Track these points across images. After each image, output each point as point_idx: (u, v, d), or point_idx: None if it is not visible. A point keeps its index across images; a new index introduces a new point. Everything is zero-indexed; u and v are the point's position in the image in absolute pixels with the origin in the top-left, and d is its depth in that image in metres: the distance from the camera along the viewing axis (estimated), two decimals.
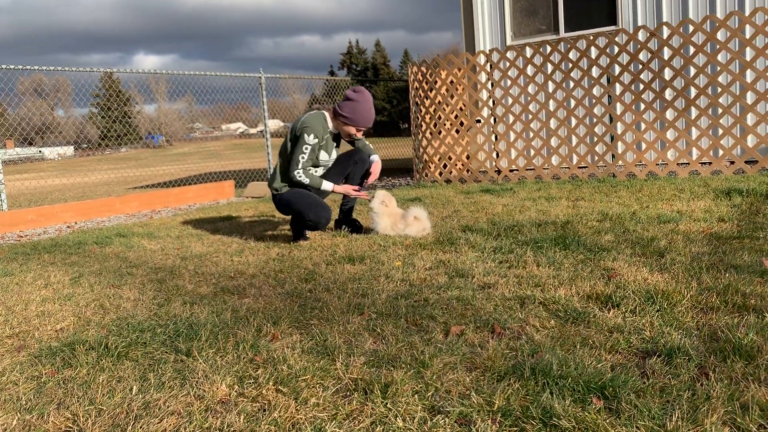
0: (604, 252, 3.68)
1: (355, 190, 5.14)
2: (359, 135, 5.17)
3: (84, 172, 29.95)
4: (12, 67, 8.51)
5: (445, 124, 8.97)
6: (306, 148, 4.94)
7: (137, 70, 10.75)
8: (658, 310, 2.54)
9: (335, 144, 5.24)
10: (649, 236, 3.98)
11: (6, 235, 7.73)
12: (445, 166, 9.23)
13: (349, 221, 5.52)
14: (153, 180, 19.89)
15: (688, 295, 2.65)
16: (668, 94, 7.63)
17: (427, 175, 9.22)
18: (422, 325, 2.63)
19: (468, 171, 9.06)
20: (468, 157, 9.06)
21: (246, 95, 12.10)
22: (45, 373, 2.45)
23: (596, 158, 7.93)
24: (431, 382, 2.04)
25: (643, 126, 7.88)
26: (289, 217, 5.70)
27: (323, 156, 5.16)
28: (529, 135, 8.41)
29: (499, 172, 8.60)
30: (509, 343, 2.33)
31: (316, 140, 4.97)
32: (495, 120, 8.61)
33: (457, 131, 9.03)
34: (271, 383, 2.15)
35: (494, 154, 8.62)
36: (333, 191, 5.09)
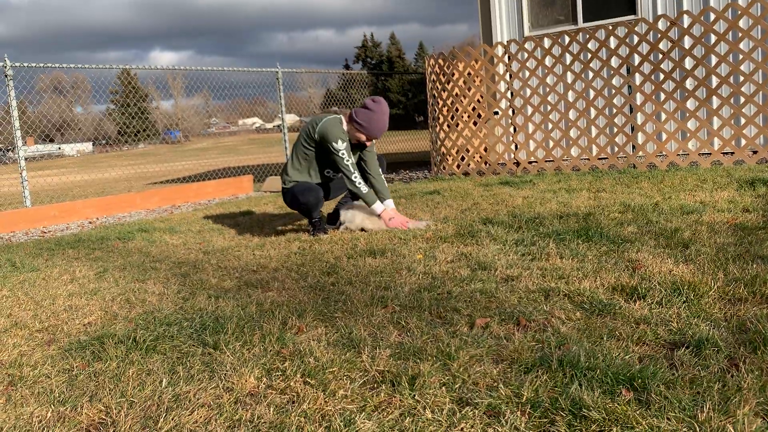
0: (628, 244, 3.66)
1: (403, 226, 5.05)
2: (369, 144, 5.18)
3: (103, 168, 30.25)
4: (31, 65, 8.60)
5: (462, 117, 8.94)
6: (343, 153, 4.99)
7: (154, 66, 10.83)
8: (684, 302, 2.52)
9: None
10: (673, 227, 3.95)
11: (30, 231, 7.83)
12: (462, 158, 9.21)
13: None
14: (171, 175, 20.06)
15: (715, 287, 2.63)
16: (689, 83, 7.54)
17: (444, 168, 9.20)
18: (446, 317, 2.64)
19: (486, 163, 9.03)
20: (486, 150, 9.03)
21: (262, 90, 12.18)
22: (76, 366, 2.49)
23: (616, 149, 7.87)
24: (458, 374, 2.04)
25: (663, 116, 7.81)
26: None
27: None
28: (548, 126, 8.36)
29: (518, 164, 8.57)
30: (535, 336, 2.33)
31: (345, 143, 5.00)
32: (513, 112, 8.57)
33: (475, 123, 9.00)
34: (298, 375, 2.17)
35: (513, 146, 8.59)
36: (380, 216, 5.09)
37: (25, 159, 8.47)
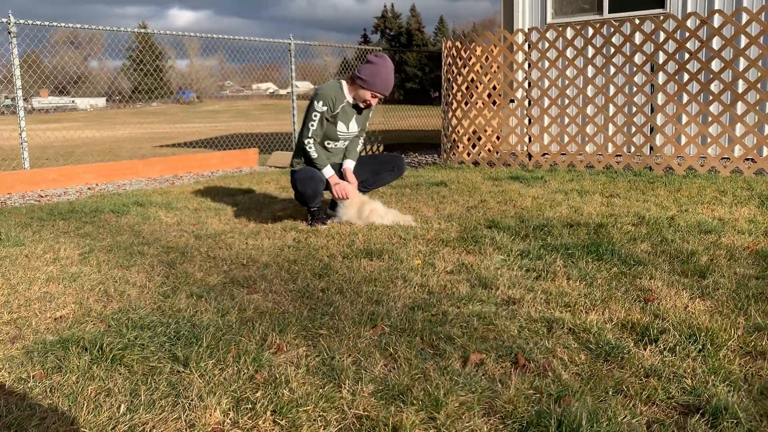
0: (640, 267, 3.42)
1: (341, 196, 4.96)
2: (374, 103, 4.93)
3: (113, 125, 30.05)
4: (35, 23, 8.34)
5: (476, 104, 8.64)
6: (315, 116, 4.83)
7: (164, 31, 10.55)
8: (700, 351, 2.30)
9: (357, 113, 5.02)
10: (689, 250, 3.70)
11: (27, 194, 7.66)
12: (474, 146, 8.93)
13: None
14: (181, 138, 19.84)
15: (735, 336, 2.40)
16: (714, 86, 7.22)
17: (454, 155, 8.94)
18: (439, 347, 2.42)
19: (497, 154, 8.76)
20: (498, 138, 8.75)
21: (276, 55, 11.90)
22: (33, 376, 2.29)
23: (633, 149, 7.58)
24: (444, 429, 1.84)
25: (685, 119, 7.51)
26: None
27: (341, 127, 4.97)
28: (564, 120, 8.07)
29: (530, 156, 8.30)
30: (533, 382, 2.11)
31: (325, 108, 4.81)
32: (530, 102, 8.27)
33: (489, 112, 8.71)
34: (269, 413, 1.97)
35: (527, 138, 8.31)
36: (327, 180, 4.96)
37: (37, 110, 8.27)
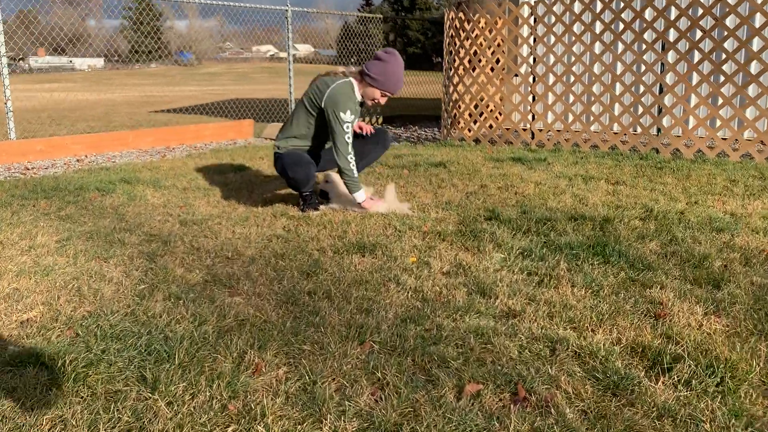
0: (649, 272, 3.20)
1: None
2: (383, 102, 4.67)
3: (110, 87, 29.60)
4: None
5: (479, 79, 8.34)
6: (348, 127, 4.51)
7: None
8: (718, 385, 2.09)
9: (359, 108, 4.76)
10: (701, 252, 3.48)
11: (13, 166, 7.41)
12: (475, 122, 8.65)
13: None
14: (177, 102, 19.48)
15: (757, 368, 2.19)
16: (727, 67, 6.92)
17: (455, 131, 8.66)
18: (432, 373, 2.21)
19: (499, 132, 8.48)
20: (500, 114, 8.46)
21: (276, 18, 11.53)
22: None
23: (640, 130, 7.32)
24: None
25: (695, 100, 7.23)
26: None
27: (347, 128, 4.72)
28: (569, 99, 7.78)
29: (533, 135, 8.02)
30: (534, 421, 1.91)
31: (353, 116, 4.52)
32: (534, 79, 7.97)
33: (492, 88, 8.41)
34: None
35: (530, 116, 8.02)
36: (361, 205, 4.66)
37: (35, 70, 7.96)
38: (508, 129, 8.21)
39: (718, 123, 6.90)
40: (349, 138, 4.50)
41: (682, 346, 2.36)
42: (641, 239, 3.78)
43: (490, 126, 8.51)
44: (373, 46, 13.56)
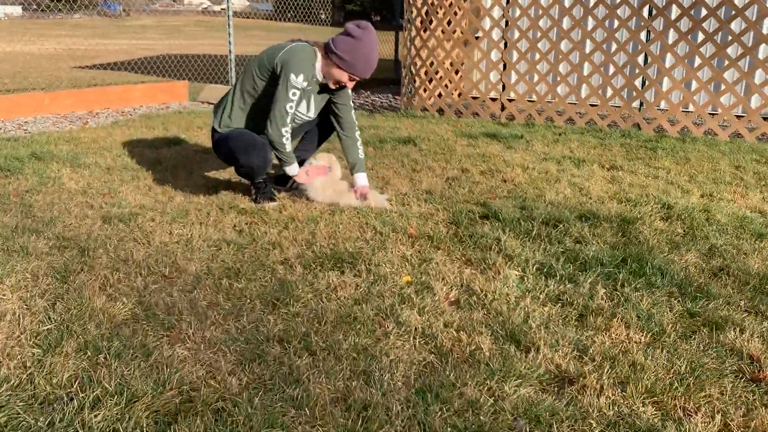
0: (708, 301, 2.54)
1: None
2: (350, 86, 3.85)
3: (30, 38, 27.33)
4: None
5: (443, 43, 7.53)
6: (294, 94, 3.65)
7: None
8: None
9: (316, 92, 3.91)
10: (757, 270, 2.86)
11: None
12: (440, 94, 7.87)
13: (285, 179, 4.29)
14: (104, 57, 17.90)
15: None
16: (721, 38, 6.34)
17: (416, 100, 7.87)
18: None
19: (465, 103, 7.73)
20: (464, 83, 7.70)
21: None
22: None
23: (621, 105, 6.71)
24: None
25: (683, 73, 6.65)
26: None
27: (302, 108, 3.87)
28: (544, 68, 7.09)
29: (503, 107, 7.32)
30: None
31: (306, 83, 3.67)
32: (506, 45, 7.22)
33: (459, 54, 7.62)
34: None
35: (500, 86, 7.30)
36: (293, 178, 3.94)
37: None
38: (475, 98, 7.47)
39: (708, 98, 6.34)
40: (291, 107, 3.66)
41: None
42: (675, 249, 3.13)
43: (459, 95, 7.75)
44: (312, 1, 12.64)
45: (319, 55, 3.73)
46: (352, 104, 4.05)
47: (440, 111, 7.70)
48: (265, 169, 3.83)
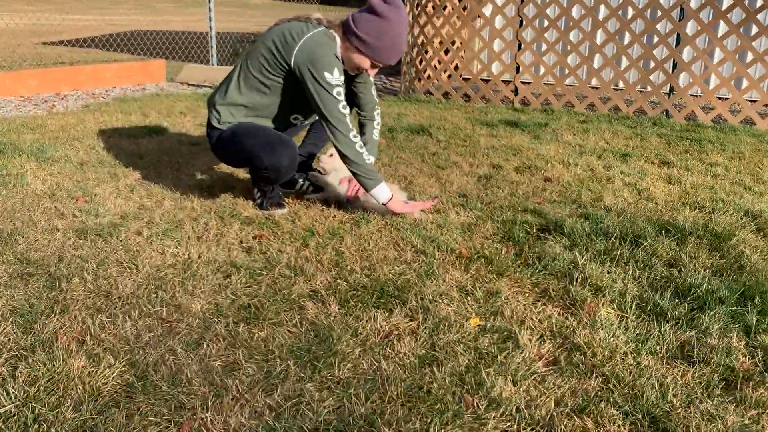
0: None
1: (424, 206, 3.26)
2: (372, 74, 3.19)
3: None
4: None
5: (451, 20, 6.86)
6: (339, 93, 2.96)
7: None
8: None
9: None
10: None
11: None
12: (449, 75, 7.21)
13: (307, 168, 3.62)
14: (71, 33, 16.85)
15: None
16: (762, 16, 5.77)
17: (420, 82, 7.20)
18: None
19: (475, 86, 7.07)
20: (467, 62, 7.05)
21: None
22: None
23: (649, 89, 6.13)
24: None
25: (719, 55, 6.08)
26: None
27: None
28: (565, 48, 6.47)
29: (516, 91, 6.69)
30: None
31: (342, 77, 2.99)
32: (522, 23, 6.57)
33: (469, 31, 6.97)
34: None
35: (514, 68, 6.66)
36: (386, 206, 3.10)
37: None
38: (486, 82, 6.84)
39: (746, 84, 5.77)
40: (344, 108, 2.99)
41: None
42: None
43: (466, 79, 7.10)
44: None
45: (337, 38, 3.05)
46: (372, 80, 3.39)
47: (446, 95, 7.05)
48: (294, 168, 3.15)
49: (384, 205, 3.05)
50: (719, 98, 6.01)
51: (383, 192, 3.02)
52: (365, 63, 3.05)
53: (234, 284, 2.41)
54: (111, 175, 3.80)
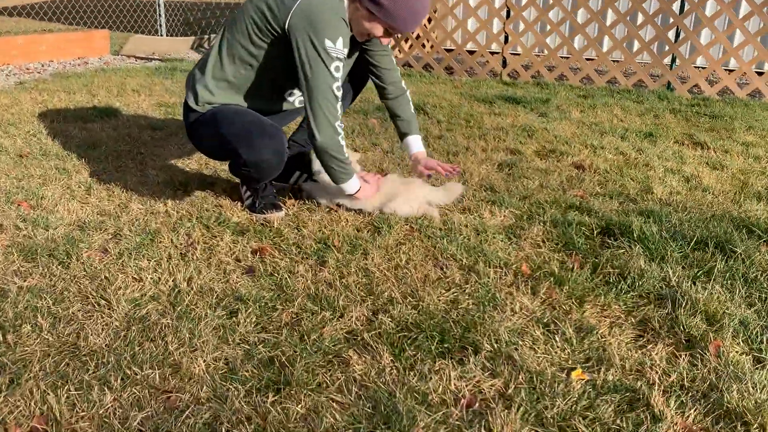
0: None
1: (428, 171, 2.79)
2: (386, 42, 2.58)
3: None
4: None
5: None
6: (337, 69, 2.33)
7: None
8: None
9: (349, 58, 2.61)
10: None
11: None
12: (431, 45, 6.61)
13: (302, 164, 3.01)
14: None
15: None
16: None
17: (400, 54, 6.60)
18: None
19: (459, 57, 6.50)
20: (451, 31, 6.47)
21: None
22: None
23: (651, 61, 5.68)
24: None
25: (726, 23, 5.67)
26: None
27: None
28: (558, 16, 5.95)
29: (504, 63, 6.15)
30: None
31: (346, 49, 2.36)
32: None
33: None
34: None
35: (502, 38, 6.11)
36: (354, 196, 2.59)
37: None
38: (472, 53, 6.28)
39: (756, 54, 5.37)
40: (338, 89, 2.38)
41: None
42: None
43: (449, 50, 6.53)
44: None
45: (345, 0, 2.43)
46: (389, 47, 2.78)
47: (427, 67, 6.46)
48: (281, 166, 2.54)
49: (351, 195, 2.58)
50: (726, 69, 5.59)
51: (352, 185, 2.53)
52: (378, 30, 2.43)
53: (243, 326, 1.82)
54: (59, 171, 3.11)
